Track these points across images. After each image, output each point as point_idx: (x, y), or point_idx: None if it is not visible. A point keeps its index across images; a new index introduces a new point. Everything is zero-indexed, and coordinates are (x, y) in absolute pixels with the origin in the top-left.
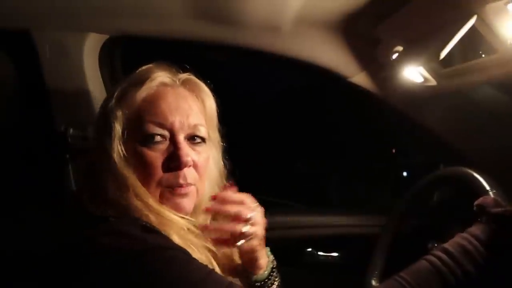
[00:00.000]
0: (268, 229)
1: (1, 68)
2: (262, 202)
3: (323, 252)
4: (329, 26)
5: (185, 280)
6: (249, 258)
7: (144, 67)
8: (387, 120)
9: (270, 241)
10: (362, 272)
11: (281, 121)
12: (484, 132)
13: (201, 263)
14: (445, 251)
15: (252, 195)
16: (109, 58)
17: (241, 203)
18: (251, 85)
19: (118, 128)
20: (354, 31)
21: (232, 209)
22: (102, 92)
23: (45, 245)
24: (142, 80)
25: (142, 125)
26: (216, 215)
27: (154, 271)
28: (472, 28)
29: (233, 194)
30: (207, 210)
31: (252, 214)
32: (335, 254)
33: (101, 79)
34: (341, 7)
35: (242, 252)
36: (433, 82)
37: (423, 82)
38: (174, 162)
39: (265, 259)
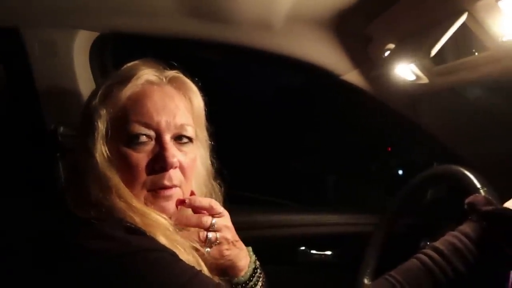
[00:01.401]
0: (262, 227)
1: None
2: (256, 200)
3: (317, 250)
4: (321, 24)
5: (170, 282)
6: (225, 263)
7: (129, 64)
8: (380, 118)
9: (264, 239)
10: (355, 271)
11: (274, 120)
12: (477, 129)
13: (187, 264)
14: (436, 250)
15: (246, 193)
16: (100, 56)
17: (206, 208)
18: (244, 84)
19: (101, 127)
20: (346, 29)
21: (193, 219)
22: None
23: (28, 244)
24: (128, 78)
25: (127, 124)
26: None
27: (138, 274)
28: (463, 26)
29: (199, 199)
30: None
31: (214, 221)
32: (328, 252)
33: (91, 77)
34: (333, 5)
35: (214, 258)
36: (425, 79)
37: (415, 79)
38: (159, 163)
39: (245, 261)
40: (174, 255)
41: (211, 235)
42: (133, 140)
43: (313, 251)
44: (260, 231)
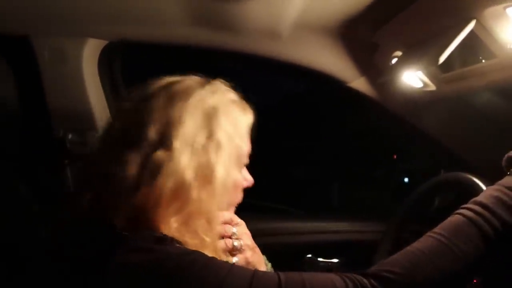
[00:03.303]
0: (268, 235)
1: (0, 74)
2: (262, 208)
3: (323, 258)
4: (328, 31)
5: (211, 278)
6: None
7: (234, 94)
8: (387, 125)
9: (270, 247)
10: None
11: (281, 127)
12: (484, 137)
13: (220, 260)
14: (478, 203)
15: (252, 200)
16: (108, 63)
17: (227, 221)
18: (251, 91)
19: (231, 153)
20: (353, 36)
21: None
22: (101, 97)
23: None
24: (246, 107)
25: (245, 151)
26: None
27: (180, 278)
28: (471, 33)
29: (222, 214)
30: None
31: (235, 229)
32: (335, 260)
33: (100, 85)
34: (340, 13)
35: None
36: (432, 87)
37: (422, 87)
38: (248, 182)
39: (264, 268)
40: (204, 254)
41: (236, 243)
42: (244, 165)
43: (320, 259)
44: (266, 238)
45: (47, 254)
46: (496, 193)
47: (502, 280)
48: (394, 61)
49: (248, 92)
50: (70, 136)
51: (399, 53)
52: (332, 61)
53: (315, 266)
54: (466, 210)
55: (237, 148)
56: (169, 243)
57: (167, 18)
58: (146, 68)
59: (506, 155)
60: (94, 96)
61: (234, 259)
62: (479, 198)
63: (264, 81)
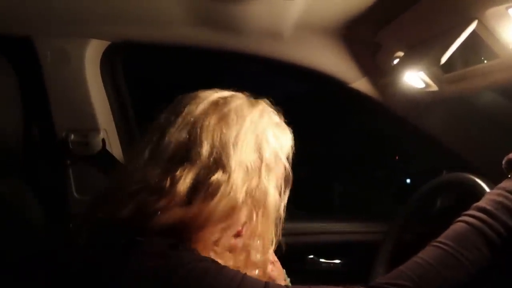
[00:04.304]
0: None
1: (3, 74)
2: None
3: (325, 259)
4: (330, 32)
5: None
6: None
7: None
8: (389, 126)
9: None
10: (364, 279)
11: None
12: (486, 137)
13: (232, 270)
14: (482, 210)
15: None
16: (111, 64)
17: None
18: (253, 91)
19: (279, 173)
20: (355, 37)
21: None
22: (104, 98)
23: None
24: (287, 130)
25: (284, 173)
26: None
27: (192, 284)
28: (473, 33)
29: None
30: None
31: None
32: (337, 261)
33: (102, 85)
34: (342, 13)
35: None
36: (434, 87)
37: (424, 87)
38: None
39: (284, 282)
40: (217, 262)
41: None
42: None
43: (322, 260)
44: None
45: (61, 255)
46: (498, 198)
47: (507, 285)
48: (396, 61)
49: (251, 93)
50: (72, 136)
51: (401, 53)
52: (334, 62)
53: (317, 267)
54: (469, 217)
55: (282, 169)
56: (182, 248)
57: (169, 19)
58: (148, 69)
59: (506, 157)
60: (96, 96)
61: (256, 272)
62: (481, 203)
63: (266, 81)
